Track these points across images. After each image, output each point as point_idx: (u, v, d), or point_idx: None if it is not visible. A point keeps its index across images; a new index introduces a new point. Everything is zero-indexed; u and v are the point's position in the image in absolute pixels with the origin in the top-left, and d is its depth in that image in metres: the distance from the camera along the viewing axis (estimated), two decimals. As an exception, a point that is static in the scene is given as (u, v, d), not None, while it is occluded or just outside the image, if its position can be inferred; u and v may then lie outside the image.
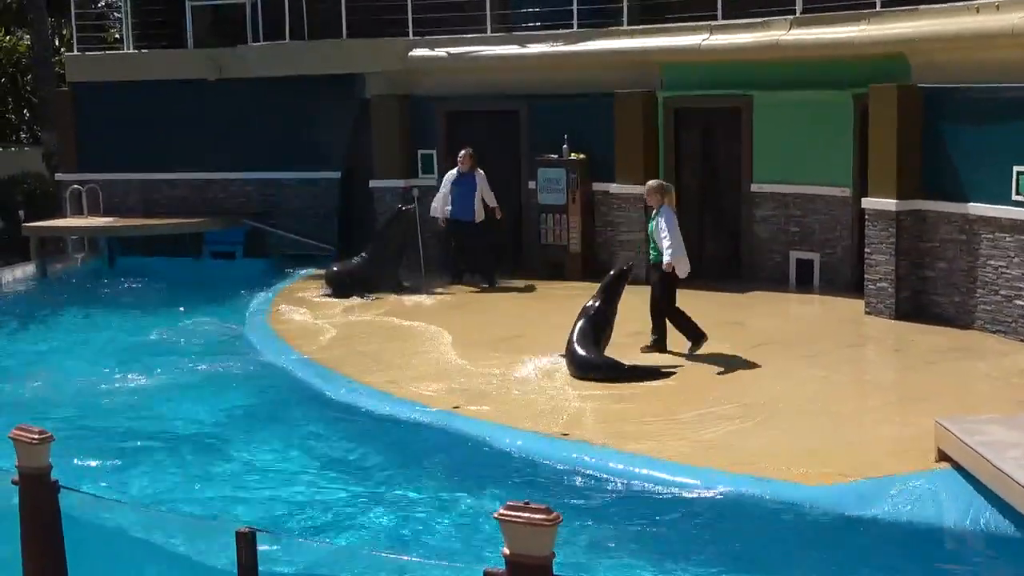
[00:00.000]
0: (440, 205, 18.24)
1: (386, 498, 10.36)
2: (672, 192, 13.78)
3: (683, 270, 13.43)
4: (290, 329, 15.81)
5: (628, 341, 13.73)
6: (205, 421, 12.63)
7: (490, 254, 18.38)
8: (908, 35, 15.00)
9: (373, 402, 12.43)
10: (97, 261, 22.21)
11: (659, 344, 13.70)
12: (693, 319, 13.60)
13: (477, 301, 17.31)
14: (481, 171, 18.13)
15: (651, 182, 13.99)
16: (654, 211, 13.58)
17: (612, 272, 13.89)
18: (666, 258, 13.26)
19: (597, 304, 13.45)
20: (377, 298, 17.47)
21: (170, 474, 11.06)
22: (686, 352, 13.54)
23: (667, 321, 13.67)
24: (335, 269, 18.36)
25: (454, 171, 18.23)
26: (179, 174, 21.80)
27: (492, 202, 18.30)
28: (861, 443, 10.50)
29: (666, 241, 13.28)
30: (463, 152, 18.15)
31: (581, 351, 12.96)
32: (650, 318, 13.81)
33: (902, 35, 15.08)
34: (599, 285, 13.85)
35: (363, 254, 18.35)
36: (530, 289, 17.86)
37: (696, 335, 13.54)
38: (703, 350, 13.49)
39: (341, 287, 17.86)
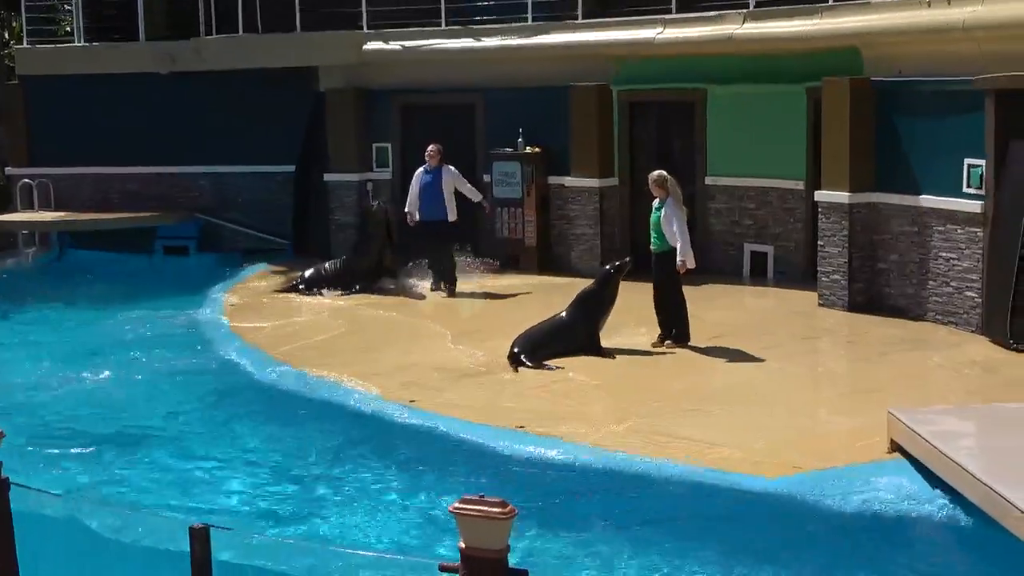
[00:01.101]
0: (410, 206, 17.39)
1: (340, 492, 10.33)
2: (675, 184, 13.68)
3: (691, 264, 13.46)
4: (244, 325, 15.71)
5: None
6: (156, 416, 12.53)
7: (451, 259, 17.38)
8: (861, 29, 15.10)
9: (329, 394, 12.39)
10: (48, 256, 21.97)
11: (681, 337, 13.62)
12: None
13: (437, 295, 17.25)
14: (451, 167, 17.32)
15: (653, 174, 13.82)
16: (657, 203, 13.58)
17: (608, 267, 13.96)
18: (680, 255, 13.27)
19: (585, 296, 13.67)
20: (343, 295, 17.23)
21: (120, 469, 10.98)
22: (651, 344, 13.59)
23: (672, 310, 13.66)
24: (310, 273, 17.81)
25: (421, 169, 17.45)
26: (132, 168, 21.60)
27: (474, 196, 17.48)
28: (814, 434, 10.57)
29: (677, 236, 13.30)
30: (430, 148, 17.29)
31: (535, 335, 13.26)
32: (655, 312, 13.75)
33: (855, 29, 15.18)
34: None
35: (344, 256, 18.14)
36: (487, 283, 17.82)
37: (687, 334, 13.59)
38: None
39: (314, 287, 17.53)
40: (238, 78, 20.49)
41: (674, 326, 13.65)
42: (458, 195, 17.30)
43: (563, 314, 13.67)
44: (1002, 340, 13.03)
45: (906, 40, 14.53)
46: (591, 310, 13.60)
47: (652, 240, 13.65)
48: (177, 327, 16.22)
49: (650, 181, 13.75)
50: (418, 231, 17.36)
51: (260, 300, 17.28)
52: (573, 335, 13.46)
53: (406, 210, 17.43)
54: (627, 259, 14.07)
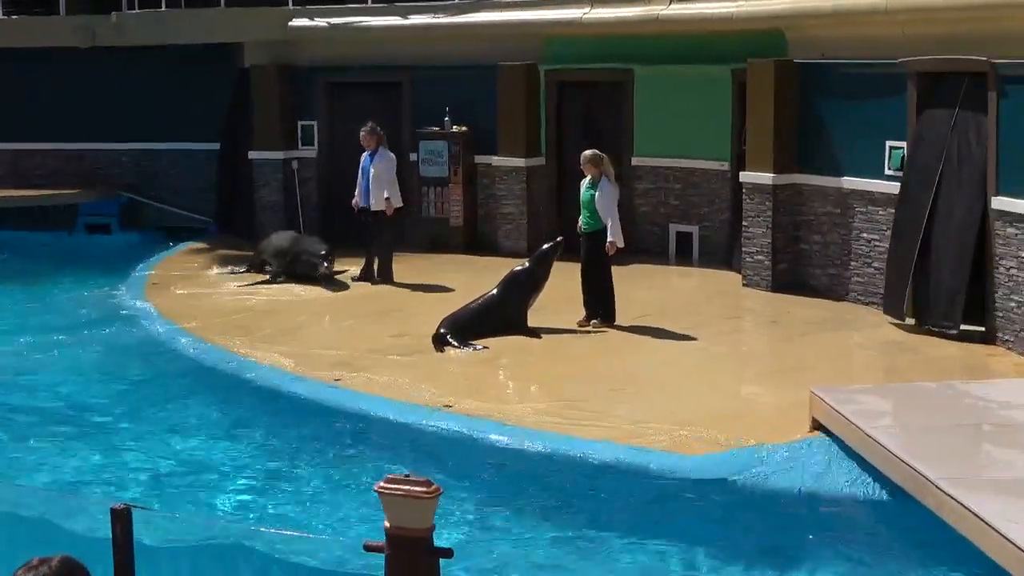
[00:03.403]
0: (357, 191, 16.41)
1: (265, 472, 10.28)
2: (608, 163, 13.65)
3: (620, 243, 13.45)
4: (167, 302, 15.53)
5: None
6: (77, 395, 12.39)
7: (388, 249, 16.38)
8: (785, 11, 15.21)
9: (251, 372, 12.30)
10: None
11: (607, 317, 13.56)
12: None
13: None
14: (391, 154, 16.31)
15: (587, 152, 13.66)
16: (590, 181, 13.51)
17: (544, 248, 13.84)
18: (610, 236, 13.25)
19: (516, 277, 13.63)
20: (282, 281, 16.47)
21: (41, 449, 10.84)
22: (577, 324, 13.58)
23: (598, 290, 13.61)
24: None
25: (366, 152, 16.36)
26: (52, 145, 21.28)
27: (388, 192, 16.06)
28: (738, 413, 10.66)
29: (612, 220, 13.28)
30: (361, 131, 16.30)
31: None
32: (582, 292, 13.68)
33: (779, 11, 15.29)
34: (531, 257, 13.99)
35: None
36: (413, 263, 17.74)
37: (613, 314, 13.60)
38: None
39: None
40: (161, 54, 20.23)
41: (601, 306, 13.64)
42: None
43: (493, 292, 13.65)
44: (898, 317, 13.25)
45: (830, 22, 14.66)
46: (522, 289, 13.59)
47: (583, 219, 13.59)
48: (96, 305, 15.99)
49: (583, 160, 13.66)
50: (361, 218, 16.42)
51: (183, 278, 17.08)
52: (503, 315, 13.44)
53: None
54: (559, 239, 14.01)
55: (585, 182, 13.62)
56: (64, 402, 12.24)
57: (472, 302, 13.63)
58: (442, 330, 13.10)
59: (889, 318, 13.41)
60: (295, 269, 16.42)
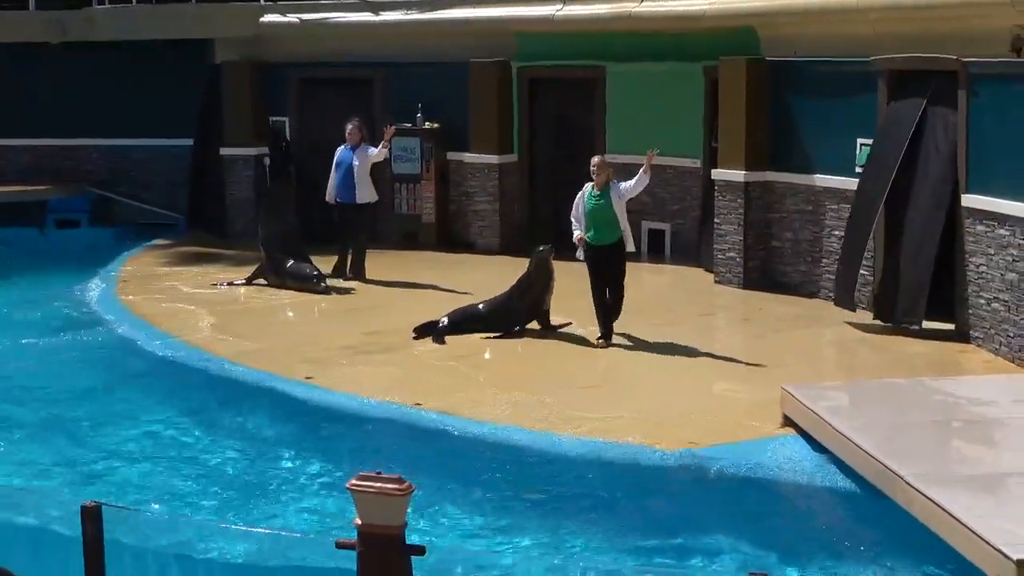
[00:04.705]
0: (329, 186, 16.35)
1: (238, 469, 10.24)
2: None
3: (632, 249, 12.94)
4: (137, 300, 15.44)
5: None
6: (47, 393, 12.31)
7: (360, 245, 16.30)
8: (757, 9, 15.25)
9: (225, 371, 12.25)
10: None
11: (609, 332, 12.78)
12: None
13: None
14: (372, 148, 16.19)
15: (597, 158, 12.85)
16: (596, 190, 12.54)
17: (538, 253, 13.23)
18: (630, 244, 12.65)
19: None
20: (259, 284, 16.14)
21: (10, 447, 10.78)
22: (597, 342, 12.88)
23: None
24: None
25: (342, 146, 16.32)
26: (22, 140, 21.13)
27: (380, 156, 16.21)
28: (710, 410, 10.69)
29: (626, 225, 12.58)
30: (348, 125, 16.27)
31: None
32: (596, 307, 12.84)
33: (751, 9, 15.32)
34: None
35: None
36: (385, 259, 17.68)
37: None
38: (556, 320, 13.48)
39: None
40: (131, 49, 20.14)
41: (611, 318, 12.79)
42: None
43: (501, 296, 13.40)
44: (849, 308, 13.36)
45: (802, 20, 14.70)
46: (521, 293, 13.28)
47: (593, 234, 12.52)
48: (64, 303, 15.89)
49: (594, 164, 12.68)
50: (337, 214, 16.36)
51: (153, 275, 16.98)
52: (509, 317, 13.20)
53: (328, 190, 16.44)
54: (550, 245, 13.39)
55: (589, 191, 12.64)
56: (34, 399, 12.15)
57: (479, 303, 13.50)
58: (444, 322, 12.99)
59: (858, 312, 13.49)
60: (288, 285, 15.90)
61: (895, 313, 13.05)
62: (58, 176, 21.08)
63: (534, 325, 13.37)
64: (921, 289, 12.77)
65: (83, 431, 11.24)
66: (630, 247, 12.79)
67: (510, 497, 9.48)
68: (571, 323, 13.29)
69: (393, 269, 16.71)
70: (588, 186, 12.74)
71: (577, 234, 12.72)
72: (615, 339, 12.85)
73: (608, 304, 12.81)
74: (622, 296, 12.88)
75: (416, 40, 18.64)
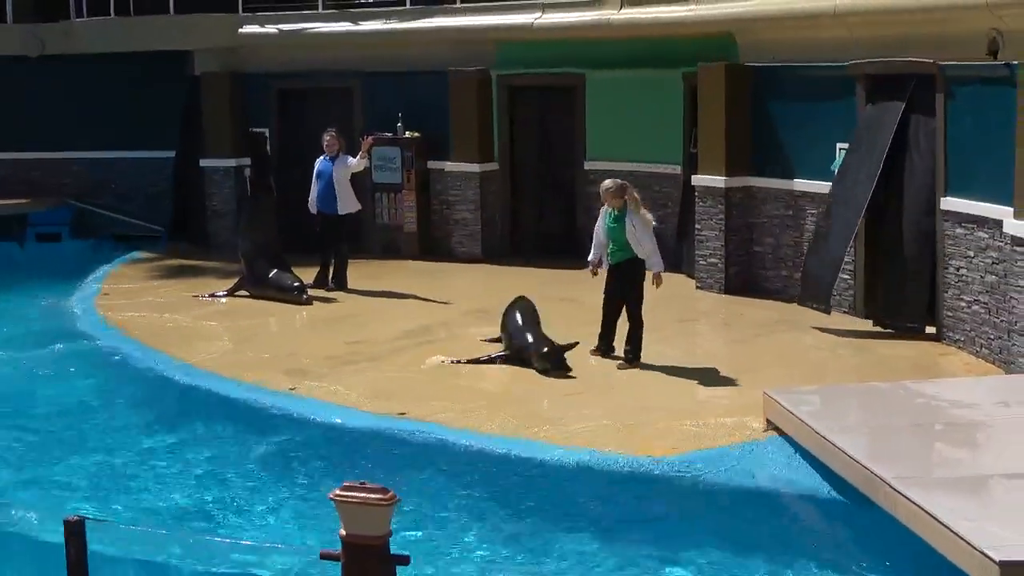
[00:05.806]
0: (310, 196, 16.31)
1: (222, 483, 10.22)
2: (632, 191, 12.33)
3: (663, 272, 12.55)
4: (119, 313, 15.40)
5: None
6: (29, 405, 12.27)
7: (341, 255, 16.27)
8: (735, 15, 15.29)
9: (208, 383, 12.21)
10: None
11: (637, 357, 12.35)
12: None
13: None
14: (351, 158, 16.14)
15: (607, 183, 12.36)
16: (614, 213, 12.24)
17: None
18: (655, 268, 12.29)
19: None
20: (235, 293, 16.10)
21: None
22: (592, 352, 12.65)
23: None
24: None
25: (321, 157, 16.28)
26: (2, 154, 21.07)
27: (359, 165, 16.24)
28: (692, 415, 10.69)
29: (652, 251, 12.24)
30: (325, 136, 16.21)
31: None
32: (604, 321, 12.63)
33: (729, 15, 15.37)
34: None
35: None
36: (366, 269, 17.68)
37: (640, 352, 12.45)
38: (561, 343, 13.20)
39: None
40: (111, 62, 20.10)
41: (632, 343, 12.41)
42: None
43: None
44: (824, 310, 13.43)
45: (780, 26, 14.77)
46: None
47: (611, 252, 12.31)
48: (46, 316, 15.84)
49: (604, 192, 12.32)
50: (320, 225, 16.31)
51: (134, 287, 16.94)
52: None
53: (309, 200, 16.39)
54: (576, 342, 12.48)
55: (606, 212, 12.39)
56: (15, 411, 12.12)
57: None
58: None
59: (835, 315, 13.54)
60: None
61: (882, 315, 13.14)
62: (38, 189, 21.02)
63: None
64: (905, 292, 12.89)
65: (60, 443, 11.20)
66: (655, 268, 12.31)
67: (492, 504, 9.48)
68: (578, 343, 12.87)
69: (375, 279, 16.70)
70: (606, 207, 12.45)
71: (591, 259, 12.57)
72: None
73: (612, 319, 12.63)
74: (634, 323, 12.43)
75: (395, 49, 18.65)
